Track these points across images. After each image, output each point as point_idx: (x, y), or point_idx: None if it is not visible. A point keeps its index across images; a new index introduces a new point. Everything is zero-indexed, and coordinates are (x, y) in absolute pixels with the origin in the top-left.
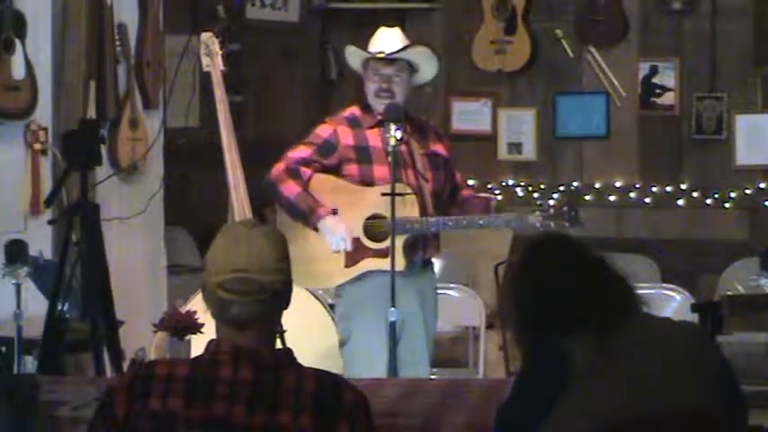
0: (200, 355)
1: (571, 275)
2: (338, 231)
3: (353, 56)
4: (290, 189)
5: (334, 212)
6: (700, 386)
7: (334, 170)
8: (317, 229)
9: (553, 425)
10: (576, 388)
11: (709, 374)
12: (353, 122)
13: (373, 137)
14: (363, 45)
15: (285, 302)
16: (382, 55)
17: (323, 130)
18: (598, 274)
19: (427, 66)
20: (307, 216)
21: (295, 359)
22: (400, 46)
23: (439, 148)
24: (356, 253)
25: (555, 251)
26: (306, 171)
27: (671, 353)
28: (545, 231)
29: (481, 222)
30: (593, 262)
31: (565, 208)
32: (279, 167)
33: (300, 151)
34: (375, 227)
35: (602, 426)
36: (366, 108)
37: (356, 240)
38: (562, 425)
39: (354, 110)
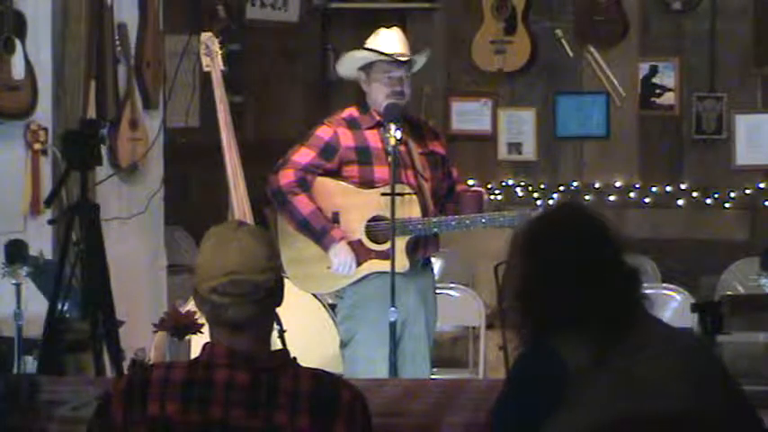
0: (196, 359)
1: (582, 270)
2: (346, 257)
3: (355, 58)
4: (304, 206)
5: (336, 219)
6: (698, 394)
7: (334, 172)
8: (326, 250)
9: (551, 427)
10: (572, 391)
11: (708, 383)
12: (352, 123)
13: (373, 137)
14: (363, 46)
15: (279, 300)
16: (405, 57)
17: (324, 132)
18: (605, 270)
19: (418, 65)
20: (319, 236)
21: (292, 359)
22: (405, 47)
23: (436, 146)
24: (359, 255)
25: (561, 239)
26: (312, 179)
27: (670, 359)
28: (562, 203)
29: (484, 221)
30: (601, 252)
31: None
32: (287, 176)
33: (305, 155)
34: (377, 229)
35: (597, 429)
36: (364, 109)
37: (359, 242)
38: (559, 427)
39: (352, 111)
